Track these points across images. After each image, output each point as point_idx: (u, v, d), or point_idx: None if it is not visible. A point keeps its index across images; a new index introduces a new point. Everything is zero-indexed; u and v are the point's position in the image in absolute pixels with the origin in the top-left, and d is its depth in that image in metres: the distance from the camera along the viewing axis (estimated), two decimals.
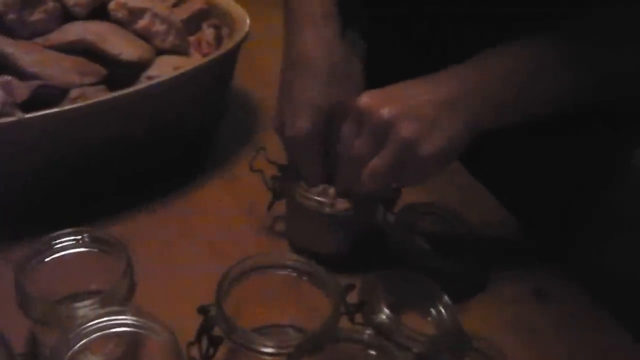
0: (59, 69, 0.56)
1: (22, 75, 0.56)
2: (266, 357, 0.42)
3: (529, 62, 0.49)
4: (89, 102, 0.54)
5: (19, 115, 0.51)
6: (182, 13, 0.65)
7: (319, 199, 0.54)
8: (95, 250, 0.49)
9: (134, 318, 0.44)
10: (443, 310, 0.49)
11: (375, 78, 0.54)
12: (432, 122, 0.48)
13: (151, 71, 0.60)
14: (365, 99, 0.49)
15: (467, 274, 0.54)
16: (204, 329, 0.44)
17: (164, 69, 0.60)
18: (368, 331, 0.43)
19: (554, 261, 0.58)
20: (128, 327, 0.44)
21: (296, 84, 0.54)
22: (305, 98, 0.53)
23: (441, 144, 0.48)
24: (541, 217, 0.62)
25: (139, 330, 0.43)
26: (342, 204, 0.54)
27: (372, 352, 0.42)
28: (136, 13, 0.61)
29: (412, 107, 0.48)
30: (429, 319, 0.50)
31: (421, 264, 0.52)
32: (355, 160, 0.50)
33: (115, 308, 0.44)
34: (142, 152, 0.58)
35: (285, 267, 0.48)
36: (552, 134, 0.61)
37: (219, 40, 0.65)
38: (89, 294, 0.48)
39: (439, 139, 0.48)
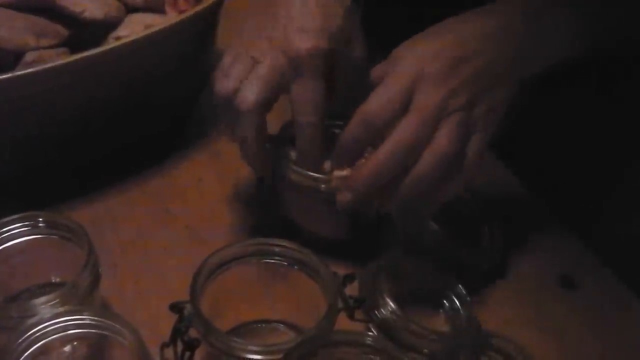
0: (10, 29, 0.50)
1: None
2: None
3: None
4: (46, 66, 0.48)
5: None
6: None
7: (313, 174, 0.47)
8: (54, 237, 0.44)
9: (95, 317, 0.39)
10: (457, 304, 0.44)
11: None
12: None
13: (120, 31, 0.54)
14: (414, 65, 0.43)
15: (484, 259, 0.50)
16: (178, 331, 0.39)
17: (135, 28, 0.54)
18: (370, 332, 0.37)
19: (578, 237, 0.54)
20: (88, 328, 0.39)
21: (281, 13, 0.45)
22: (300, 22, 0.44)
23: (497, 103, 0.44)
24: (562, 191, 0.57)
25: (101, 332, 0.39)
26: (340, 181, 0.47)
27: (376, 358, 0.36)
28: None
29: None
30: (441, 313, 0.45)
31: (432, 248, 0.48)
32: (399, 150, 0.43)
33: (73, 306, 0.40)
34: (110, 125, 0.53)
35: (273, 254, 0.42)
36: (572, 105, 0.58)
37: None
38: (50, 287, 0.45)
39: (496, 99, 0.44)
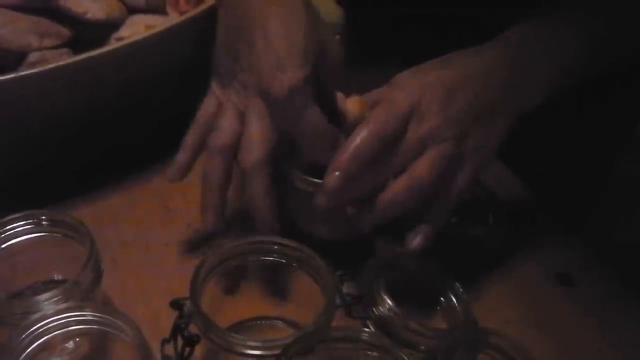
0: (13, 30, 0.51)
1: None
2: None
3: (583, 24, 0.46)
4: (49, 66, 0.48)
5: None
6: None
7: (315, 180, 0.47)
8: (57, 235, 0.44)
9: (97, 314, 0.39)
10: (455, 301, 0.44)
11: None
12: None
13: (122, 32, 0.55)
14: (407, 96, 0.42)
15: (492, 238, 0.51)
16: (178, 327, 0.39)
17: (137, 29, 0.55)
18: (367, 328, 0.37)
19: (575, 235, 0.54)
20: (90, 324, 0.39)
21: (271, 29, 0.42)
22: (289, 42, 0.41)
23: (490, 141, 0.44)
24: (555, 186, 0.58)
25: (103, 328, 0.39)
26: None
27: (373, 354, 0.36)
28: None
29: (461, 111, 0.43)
30: (438, 310, 0.45)
31: (440, 232, 0.47)
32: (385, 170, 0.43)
33: (75, 303, 0.40)
34: (112, 124, 0.53)
35: (272, 252, 0.42)
36: (569, 106, 0.57)
37: None
38: (53, 284, 0.45)
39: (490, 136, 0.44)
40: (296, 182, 0.48)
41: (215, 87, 0.47)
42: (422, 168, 0.42)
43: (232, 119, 0.45)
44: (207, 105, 0.48)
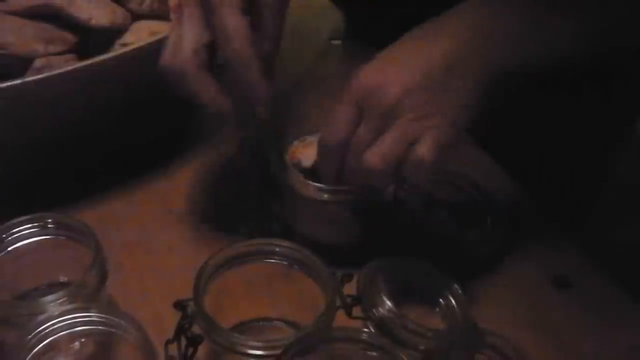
0: (20, 36, 0.51)
1: None
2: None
3: None
4: (54, 72, 0.48)
5: None
6: None
7: (317, 185, 0.48)
8: (62, 237, 0.45)
9: (102, 315, 0.40)
10: (453, 302, 0.45)
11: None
12: (443, 90, 0.42)
13: (126, 38, 0.55)
14: (362, 80, 0.43)
15: (491, 242, 0.51)
16: (182, 328, 0.40)
17: (141, 35, 0.55)
18: (366, 329, 0.38)
19: (572, 237, 0.54)
20: (95, 325, 0.40)
21: None
22: None
23: (457, 113, 0.43)
24: (552, 188, 0.58)
25: (107, 329, 0.40)
26: (343, 192, 0.48)
27: (372, 354, 0.37)
28: None
29: (416, 79, 0.43)
30: (437, 311, 0.46)
31: (439, 236, 0.49)
32: (356, 150, 0.44)
33: (80, 304, 0.40)
34: (116, 128, 0.54)
35: (273, 254, 0.43)
36: (566, 106, 0.58)
37: None
38: (58, 286, 0.45)
39: (450, 106, 0.43)
40: (296, 186, 0.48)
41: None
42: (373, 156, 0.43)
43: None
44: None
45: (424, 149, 0.42)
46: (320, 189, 0.48)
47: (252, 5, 0.44)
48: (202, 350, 0.40)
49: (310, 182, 0.48)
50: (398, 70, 0.43)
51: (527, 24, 0.44)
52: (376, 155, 0.43)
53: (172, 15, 0.59)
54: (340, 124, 0.44)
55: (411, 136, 0.43)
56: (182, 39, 0.44)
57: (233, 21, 0.43)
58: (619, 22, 0.47)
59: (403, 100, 0.42)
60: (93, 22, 0.53)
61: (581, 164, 0.62)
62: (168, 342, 0.41)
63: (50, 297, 0.41)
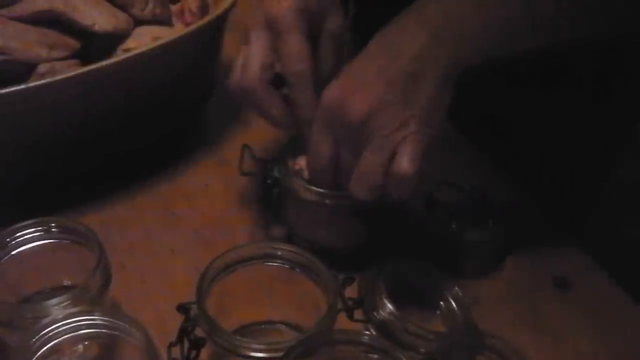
0: (23, 42, 0.52)
1: None
2: None
3: None
4: (58, 77, 0.49)
5: None
6: None
7: (319, 189, 0.48)
8: (66, 241, 0.45)
9: (105, 318, 0.40)
10: (454, 304, 0.45)
11: None
12: (408, 96, 0.42)
13: (129, 43, 0.56)
14: (325, 100, 0.44)
15: (492, 242, 0.51)
16: (185, 331, 0.40)
17: (143, 40, 0.55)
18: (368, 332, 0.38)
19: (572, 238, 0.54)
20: (99, 328, 0.40)
21: None
22: None
23: (428, 113, 0.42)
24: (556, 192, 0.58)
25: (111, 332, 0.40)
26: (345, 197, 0.48)
27: (374, 356, 0.37)
28: None
29: (379, 93, 0.42)
30: (438, 314, 0.46)
31: (440, 237, 0.49)
32: (344, 176, 0.45)
33: (84, 307, 0.41)
34: (119, 132, 0.54)
35: (275, 258, 0.43)
36: (563, 107, 0.58)
37: (203, 8, 0.60)
38: (62, 289, 0.45)
39: (420, 108, 0.42)
40: (300, 192, 0.49)
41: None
42: (357, 185, 0.44)
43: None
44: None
45: (404, 163, 0.42)
46: (322, 194, 0.48)
47: (314, 33, 0.47)
48: (205, 352, 0.41)
49: (313, 187, 0.48)
50: (359, 85, 0.43)
51: (482, 16, 0.43)
52: (358, 184, 0.44)
53: (175, 20, 0.60)
54: (320, 151, 0.45)
55: (387, 152, 0.43)
56: (249, 60, 0.46)
57: (297, 46, 0.45)
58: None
59: (370, 116, 0.42)
60: (96, 27, 0.54)
61: (582, 164, 0.62)
62: (171, 345, 0.41)
63: (54, 301, 0.41)
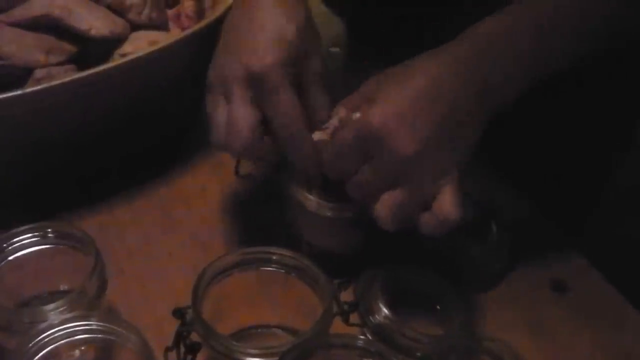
0: (20, 47, 0.52)
1: None
2: None
3: (534, 17, 0.45)
4: (55, 82, 0.49)
5: None
6: None
7: (319, 200, 0.48)
8: (62, 246, 0.45)
9: (102, 323, 0.40)
10: (450, 308, 0.45)
11: None
12: (454, 140, 0.43)
13: (125, 47, 0.56)
14: (375, 122, 0.42)
15: (492, 258, 0.51)
16: (181, 335, 0.40)
17: (140, 44, 0.56)
18: (363, 336, 0.38)
19: (569, 240, 0.54)
20: (95, 333, 0.40)
21: (255, 21, 0.44)
22: (270, 29, 0.44)
23: (466, 157, 0.44)
24: (553, 194, 0.58)
25: (107, 336, 0.40)
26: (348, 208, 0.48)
27: None
28: None
29: (430, 134, 0.42)
30: (434, 317, 0.46)
31: (442, 250, 0.48)
32: (364, 191, 0.44)
33: (81, 312, 0.41)
34: (116, 136, 0.54)
35: (271, 262, 0.43)
36: (562, 108, 0.58)
37: (200, 12, 0.60)
38: (59, 294, 0.45)
39: (463, 155, 0.43)
40: (300, 200, 0.48)
41: (210, 78, 0.48)
42: (384, 209, 0.43)
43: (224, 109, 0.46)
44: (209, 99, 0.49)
45: (449, 207, 0.42)
46: (324, 205, 0.48)
47: (298, 80, 0.45)
48: (201, 357, 0.41)
49: (315, 199, 0.48)
50: (405, 121, 0.42)
51: (525, 59, 0.44)
52: (387, 209, 0.43)
53: (171, 25, 0.60)
54: (344, 158, 0.44)
55: (427, 195, 0.43)
56: (237, 122, 0.44)
57: (289, 107, 0.44)
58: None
59: (416, 156, 0.42)
60: (93, 32, 0.54)
61: (581, 165, 0.62)
62: (167, 349, 0.41)
63: (51, 306, 0.41)
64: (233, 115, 0.44)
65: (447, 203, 0.42)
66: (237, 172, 0.51)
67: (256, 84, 0.44)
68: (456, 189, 0.43)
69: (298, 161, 0.46)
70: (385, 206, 0.43)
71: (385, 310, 0.43)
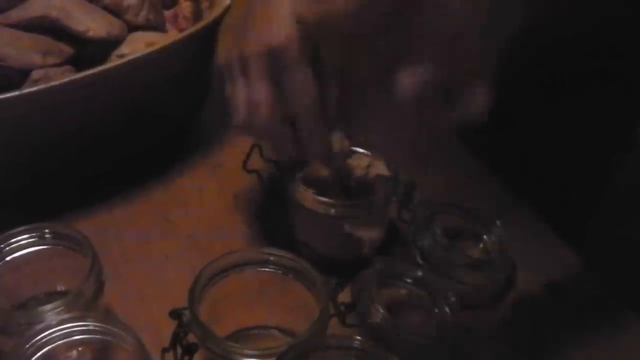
0: (17, 48, 0.52)
1: None
2: None
3: None
4: (52, 84, 0.49)
5: None
6: None
7: (324, 200, 0.48)
8: (59, 247, 0.45)
9: (99, 324, 0.40)
10: (447, 310, 0.45)
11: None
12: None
13: (122, 49, 0.56)
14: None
15: (491, 284, 0.49)
16: (177, 336, 0.40)
17: (137, 46, 0.56)
18: (360, 336, 0.38)
19: (565, 244, 0.54)
20: (92, 334, 0.40)
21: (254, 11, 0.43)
22: (283, 8, 0.42)
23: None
24: (550, 197, 0.58)
25: (104, 337, 0.40)
26: (351, 207, 0.48)
27: None
28: None
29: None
30: (431, 319, 0.45)
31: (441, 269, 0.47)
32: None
33: (78, 313, 0.41)
34: (113, 138, 0.54)
35: (268, 263, 0.43)
36: (560, 110, 0.58)
37: (197, 14, 0.60)
38: (56, 295, 0.45)
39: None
40: (303, 200, 0.49)
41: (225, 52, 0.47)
42: (407, 78, 0.38)
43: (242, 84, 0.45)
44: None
45: (480, 103, 0.39)
46: (326, 204, 0.48)
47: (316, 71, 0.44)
48: (197, 358, 0.41)
49: (317, 197, 0.48)
50: None
51: None
52: (413, 76, 0.37)
53: (169, 26, 0.60)
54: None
55: (455, 84, 0.39)
56: (257, 96, 0.44)
57: (305, 82, 0.43)
58: None
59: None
60: (90, 33, 0.54)
61: (582, 167, 0.62)
62: (164, 351, 0.41)
63: (48, 306, 0.41)
64: (253, 91, 0.44)
65: (479, 100, 0.39)
66: (244, 167, 0.51)
67: (275, 57, 0.43)
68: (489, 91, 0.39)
69: (310, 138, 0.45)
70: (411, 72, 0.38)
71: (382, 311, 0.43)
